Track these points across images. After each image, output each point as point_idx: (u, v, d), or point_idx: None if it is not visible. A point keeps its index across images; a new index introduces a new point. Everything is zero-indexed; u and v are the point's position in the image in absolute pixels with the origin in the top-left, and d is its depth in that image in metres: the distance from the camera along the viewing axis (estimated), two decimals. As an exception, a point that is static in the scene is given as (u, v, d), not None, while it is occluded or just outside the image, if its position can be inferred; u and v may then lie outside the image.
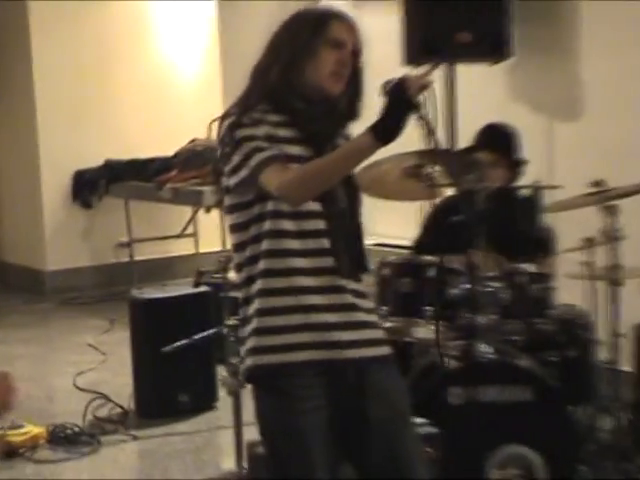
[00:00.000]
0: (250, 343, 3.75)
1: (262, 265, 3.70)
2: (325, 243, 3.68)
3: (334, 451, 3.76)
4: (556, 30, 7.37)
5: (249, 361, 3.76)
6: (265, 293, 3.72)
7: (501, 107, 7.27)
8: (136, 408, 7.36)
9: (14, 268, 11.09)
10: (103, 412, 7.33)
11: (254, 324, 3.74)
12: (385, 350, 3.81)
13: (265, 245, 3.68)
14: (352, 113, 3.79)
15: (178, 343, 6.55)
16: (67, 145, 11.16)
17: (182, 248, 11.37)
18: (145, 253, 11.25)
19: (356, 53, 3.77)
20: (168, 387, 7.31)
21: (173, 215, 11.25)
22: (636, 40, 6.98)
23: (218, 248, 9.78)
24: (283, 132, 3.68)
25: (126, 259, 11.11)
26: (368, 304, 3.81)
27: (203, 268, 7.84)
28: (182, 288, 7.76)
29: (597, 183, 5.90)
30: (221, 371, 5.87)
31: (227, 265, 5.77)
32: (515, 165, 6.28)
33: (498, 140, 6.28)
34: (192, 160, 10.81)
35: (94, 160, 11.27)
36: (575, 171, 6.57)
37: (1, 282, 11.78)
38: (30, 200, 11.23)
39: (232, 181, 3.71)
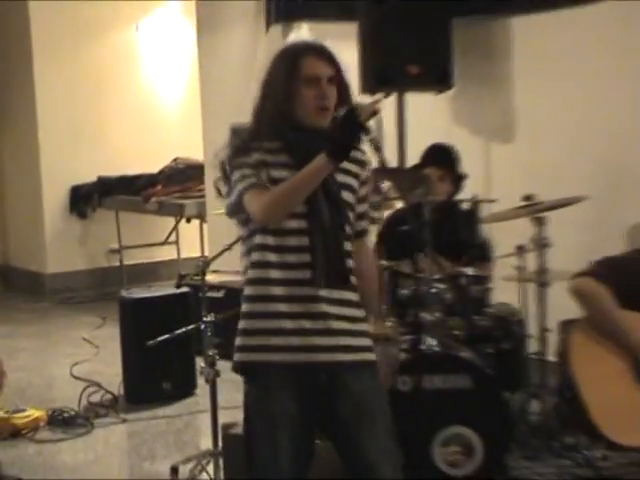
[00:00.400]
0: (237, 341, 3.75)
1: (249, 274, 3.72)
2: (306, 257, 3.64)
3: (302, 443, 3.73)
4: (491, 63, 7.39)
5: (236, 357, 3.76)
6: (248, 299, 3.74)
7: (445, 131, 7.27)
8: (125, 394, 7.36)
9: (18, 271, 11.05)
10: (96, 398, 7.31)
11: (241, 325, 3.75)
12: (362, 356, 3.74)
13: (253, 257, 3.69)
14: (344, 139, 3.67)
15: (161, 337, 6.52)
16: (65, 163, 11.15)
17: (166, 254, 11.33)
18: (133, 258, 11.22)
19: (336, 80, 3.72)
20: (153, 376, 7.31)
21: (158, 225, 11.22)
22: (561, 72, 7.00)
23: (197, 254, 9.76)
24: (275, 158, 3.66)
25: (117, 263, 11.11)
26: (352, 312, 3.72)
27: (184, 271, 7.83)
28: (165, 289, 7.77)
29: (528, 197, 5.92)
30: (199, 362, 5.84)
31: (205, 269, 5.76)
32: (457, 179, 6.31)
33: (442, 157, 6.31)
34: (175, 176, 10.84)
35: (88, 176, 11.26)
36: (509, 187, 6.57)
37: (7, 284, 11.74)
38: (32, 211, 11.19)
39: (228, 202, 3.71)
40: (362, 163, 3.80)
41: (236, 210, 3.71)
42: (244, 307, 3.76)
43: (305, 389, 3.69)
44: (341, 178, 3.72)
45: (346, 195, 3.73)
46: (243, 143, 3.72)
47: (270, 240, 3.66)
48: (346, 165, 3.71)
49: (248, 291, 3.75)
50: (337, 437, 3.79)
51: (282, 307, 3.66)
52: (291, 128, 3.69)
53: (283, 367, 3.69)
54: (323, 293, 3.64)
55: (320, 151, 3.54)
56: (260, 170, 3.62)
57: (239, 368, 3.78)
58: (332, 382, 3.67)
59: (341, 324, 3.68)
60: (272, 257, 3.67)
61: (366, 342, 3.78)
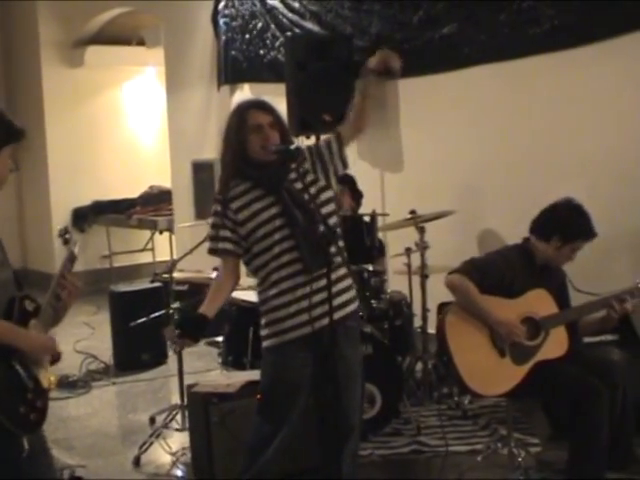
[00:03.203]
0: (262, 332, 3.76)
1: (261, 286, 3.74)
2: (295, 254, 3.61)
3: (308, 400, 3.74)
4: (385, 112, 7.40)
5: (265, 343, 3.75)
6: (263, 302, 3.74)
7: (351, 163, 7.20)
8: (114, 363, 7.34)
9: (34, 272, 10.87)
10: (93, 366, 7.32)
11: (263, 321, 3.75)
12: (350, 308, 3.72)
13: (260, 274, 3.71)
14: (286, 168, 3.70)
15: (140, 320, 6.53)
16: (68, 191, 11.03)
17: (144, 258, 11.24)
18: (120, 262, 11.13)
19: (275, 123, 3.70)
20: (135, 349, 7.29)
21: (138, 236, 11.14)
22: (435, 119, 7.03)
23: (168, 258, 9.70)
24: (251, 195, 3.66)
25: (107, 266, 11.01)
26: (340, 285, 3.67)
27: (158, 271, 7.75)
28: (144, 284, 7.73)
29: (412, 212, 5.93)
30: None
31: (172, 269, 5.70)
32: (358, 198, 6.30)
33: (345, 179, 6.30)
34: (150, 199, 10.84)
35: (86, 200, 11.13)
36: (398, 204, 6.60)
37: (25, 281, 11.51)
38: (44, 227, 11.00)
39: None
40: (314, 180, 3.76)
41: (213, 254, 3.80)
42: (263, 308, 3.73)
43: (313, 356, 3.66)
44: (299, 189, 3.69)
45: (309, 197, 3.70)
46: (219, 202, 3.71)
47: (268, 255, 3.64)
48: (299, 184, 3.68)
49: (262, 296, 3.73)
50: (321, 393, 3.73)
51: (286, 298, 3.64)
52: (250, 167, 3.67)
53: (297, 342, 3.65)
54: (315, 276, 3.59)
55: (278, 177, 3.63)
56: (227, 230, 3.68)
57: (272, 350, 3.72)
58: (330, 342, 3.50)
59: (324, 295, 3.53)
60: (273, 264, 3.65)
61: (347, 297, 3.73)
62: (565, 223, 4.47)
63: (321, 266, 3.53)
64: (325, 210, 3.70)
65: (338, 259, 3.64)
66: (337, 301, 3.63)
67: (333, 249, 3.53)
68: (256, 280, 3.77)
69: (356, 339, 3.81)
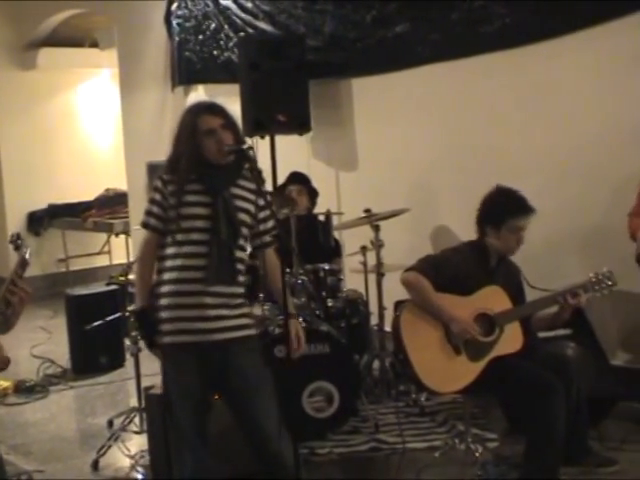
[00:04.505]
0: (160, 327, 3.71)
1: (161, 276, 3.72)
2: (202, 261, 3.60)
3: (201, 404, 3.72)
4: (339, 112, 7.42)
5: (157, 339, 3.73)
6: (161, 296, 3.70)
7: (306, 163, 7.28)
8: (72, 367, 7.25)
9: (-12, 277, 10.78)
10: (50, 371, 7.22)
11: (161, 314, 3.71)
12: (241, 333, 3.69)
13: (166, 264, 3.70)
14: (240, 168, 3.71)
15: (96, 323, 6.47)
16: (22, 194, 10.90)
17: (100, 261, 11.16)
18: (76, 265, 11.02)
19: (227, 125, 3.69)
20: (92, 352, 7.22)
21: (94, 239, 11.05)
22: (388, 118, 7.04)
23: (124, 261, 9.65)
24: (190, 186, 3.65)
25: (64, 269, 10.91)
26: (234, 301, 3.68)
27: (114, 274, 7.71)
28: (100, 287, 7.61)
29: (367, 210, 5.93)
30: (126, 341, 5.77)
31: (128, 271, 5.67)
32: (313, 197, 6.30)
33: (298, 178, 6.34)
34: (106, 202, 10.76)
35: (41, 204, 11.03)
36: (353, 203, 6.59)
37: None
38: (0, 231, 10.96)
39: None
40: (258, 193, 3.75)
41: (144, 227, 3.75)
42: (160, 301, 3.70)
43: (203, 365, 3.65)
44: (239, 203, 3.70)
45: (242, 216, 3.70)
46: (160, 180, 3.70)
47: (178, 249, 3.63)
48: (244, 194, 3.72)
49: (161, 289, 3.69)
50: (230, 403, 3.76)
51: (178, 300, 3.63)
52: (203, 165, 3.66)
53: (185, 346, 3.64)
54: (212, 289, 3.60)
55: (223, 180, 3.63)
56: (160, 209, 3.67)
57: (163, 348, 3.72)
58: (223, 358, 3.63)
59: (223, 311, 3.64)
60: (177, 262, 3.64)
61: (245, 321, 3.74)
62: (490, 209, 4.54)
63: (223, 282, 3.60)
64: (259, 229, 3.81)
65: (240, 289, 3.71)
66: (234, 322, 3.68)
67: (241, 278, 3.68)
68: (158, 267, 3.75)
69: (253, 352, 3.77)
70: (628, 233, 5.05)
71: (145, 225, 3.72)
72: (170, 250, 3.66)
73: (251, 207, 3.75)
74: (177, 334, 3.65)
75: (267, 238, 3.85)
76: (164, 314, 3.68)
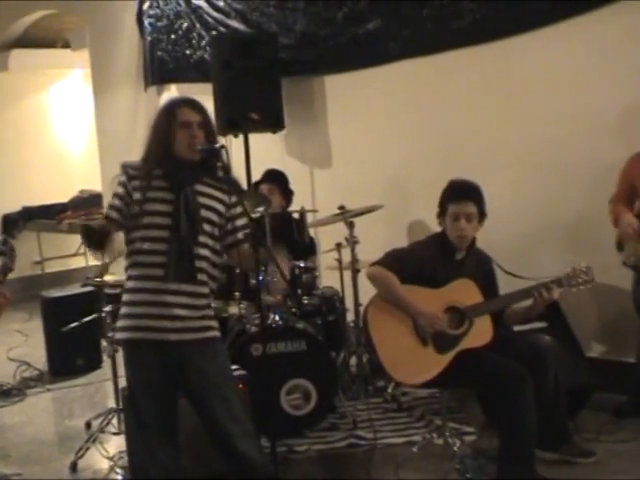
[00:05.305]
0: (117, 322, 3.73)
1: (127, 272, 3.71)
2: (162, 259, 3.59)
3: (165, 403, 3.69)
4: (312, 109, 7.42)
5: (117, 335, 3.75)
6: (124, 291, 3.73)
7: (280, 160, 7.27)
8: (49, 370, 7.24)
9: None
10: (27, 374, 7.21)
11: (121, 310, 3.72)
12: (203, 335, 3.67)
13: (130, 259, 3.70)
14: (208, 167, 3.68)
15: (72, 325, 6.44)
16: (-4, 197, 10.89)
17: (76, 263, 11.11)
18: (52, 267, 11.01)
19: (203, 124, 3.69)
20: (69, 355, 7.19)
21: (69, 241, 10.97)
22: (362, 115, 7.06)
23: (100, 262, 9.60)
24: (154, 182, 3.63)
25: (39, 272, 10.89)
26: (195, 301, 3.64)
27: (90, 275, 7.66)
28: (75, 288, 7.58)
29: (341, 207, 5.94)
30: (103, 342, 5.76)
31: (103, 272, 5.64)
32: (288, 195, 6.31)
33: (271, 177, 6.33)
34: (81, 204, 10.73)
35: (15, 206, 10.99)
36: (328, 200, 6.60)
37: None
38: (-26, 234, 10.92)
39: None
40: (229, 191, 3.73)
41: (106, 219, 3.69)
42: (123, 297, 3.72)
43: (162, 363, 3.63)
44: (204, 200, 3.67)
45: (207, 213, 3.68)
46: (126, 174, 3.68)
47: (140, 245, 3.62)
48: (212, 191, 3.70)
49: (126, 284, 3.71)
50: (192, 403, 3.74)
51: (138, 297, 3.63)
52: (170, 160, 3.64)
53: (144, 343, 3.63)
54: (172, 287, 3.59)
55: (188, 177, 3.60)
56: (122, 202, 3.64)
57: (121, 344, 3.78)
58: (181, 358, 3.61)
59: (182, 311, 3.61)
60: (140, 258, 3.64)
61: (206, 323, 3.71)
62: (439, 203, 4.60)
63: (182, 280, 3.58)
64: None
65: (205, 288, 3.69)
66: (194, 324, 3.65)
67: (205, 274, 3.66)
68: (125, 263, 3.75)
69: (214, 353, 3.73)
70: (611, 220, 5.09)
71: (106, 217, 3.68)
72: (134, 246, 3.65)
73: (219, 205, 3.72)
74: (134, 330, 3.64)
75: (239, 236, 3.82)
76: (124, 309, 3.69)
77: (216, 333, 3.75)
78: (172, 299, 3.60)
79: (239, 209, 3.77)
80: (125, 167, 3.81)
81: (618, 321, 5.33)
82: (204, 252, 3.67)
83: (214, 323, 3.76)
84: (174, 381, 3.67)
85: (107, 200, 9.64)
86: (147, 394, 3.66)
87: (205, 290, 3.70)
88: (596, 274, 4.44)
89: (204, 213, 3.67)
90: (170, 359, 3.62)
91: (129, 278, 3.70)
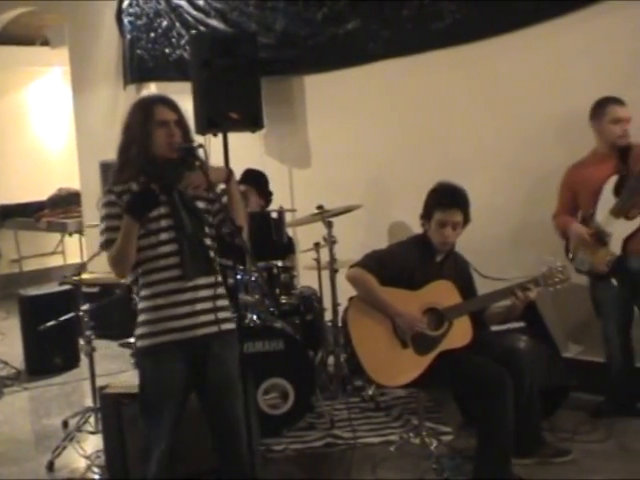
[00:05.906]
0: (137, 331, 3.65)
1: (140, 281, 3.64)
2: (176, 259, 3.56)
3: (181, 405, 3.65)
4: (291, 109, 7.44)
5: (138, 343, 3.66)
6: (141, 299, 3.65)
7: (259, 160, 7.27)
8: (26, 369, 7.23)
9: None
10: (4, 372, 7.20)
11: (138, 319, 3.66)
12: (223, 327, 3.63)
13: (142, 268, 3.61)
14: (187, 165, 3.60)
15: (49, 323, 6.41)
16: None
17: (54, 261, 11.14)
18: (30, 266, 11.01)
19: (179, 122, 3.64)
20: (46, 353, 7.19)
21: (47, 239, 11.01)
22: (341, 115, 7.06)
23: (78, 260, 9.62)
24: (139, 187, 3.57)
25: (17, 270, 10.88)
26: (215, 292, 3.60)
27: (68, 273, 7.65)
28: (53, 287, 7.56)
29: (320, 207, 5.93)
30: (80, 341, 5.74)
31: (81, 271, 5.62)
32: (267, 195, 6.31)
33: (248, 178, 6.30)
34: (59, 202, 10.73)
35: (-9, 205, 11.00)
36: (306, 200, 6.59)
37: None
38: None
39: (101, 239, 3.59)
40: (208, 188, 3.65)
41: (107, 246, 3.58)
42: (138, 307, 3.66)
43: (187, 362, 3.59)
44: (192, 193, 3.65)
45: (201, 204, 3.67)
46: (113, 193, 3.59)
47: (150, 253, 3.57)
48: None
49: (141, 293, 3.65)
50: (203, 397, 3.69)
51: (159, 301, 3.58)
52: (151, 164, 3.58)
53: (170, 346, 3.59)
54: (189, 284, 3.56)
55: (169, 176, 3.55)
56: (120, 220, 3.52)
57: (143, 351, 3.64)
58: (206, 352, 3.57)
59: (204, 305, 3.58)
60: (152, 265, 3.59)
61: (226, 315, 3.68)
62: (425, 203, 4.60)
63: (201, 274, 3.57)
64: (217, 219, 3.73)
65: (219, 277, 3.67)
66: (219, 315, 3.62)
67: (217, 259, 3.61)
68: (132, 276, 3.69)
69: (233, 347, 3.69)
70: (558, 234, 5.17)
71: (107, 243, 3.57)
72: (144, 254, 3.59)
73: (204, 193, 3.69)
74: (159, 335, 3.59)
75: (222, 229, 3.80)
76: (143, 317, 3.63)
77: (233, 325, 3.74)
78: (191, 296, 3.57)
79: (218, 205, 3.75)
80: (110, 170, 3.75)
81: (594, 321, 5.35)
82: (209, 242, 3.66)
83: (231, 314, 3.73)
84: (193, 381, 3.63)
85: (86, 198, 9.63)
86: (167, 396, 3.61)
87: (219, 278, 3.69)
88: (572, 274, 4.46)
89: (200, 205, 3.66)
90: (196, 355, 3.58)
91: (142, 286, 3.64)
